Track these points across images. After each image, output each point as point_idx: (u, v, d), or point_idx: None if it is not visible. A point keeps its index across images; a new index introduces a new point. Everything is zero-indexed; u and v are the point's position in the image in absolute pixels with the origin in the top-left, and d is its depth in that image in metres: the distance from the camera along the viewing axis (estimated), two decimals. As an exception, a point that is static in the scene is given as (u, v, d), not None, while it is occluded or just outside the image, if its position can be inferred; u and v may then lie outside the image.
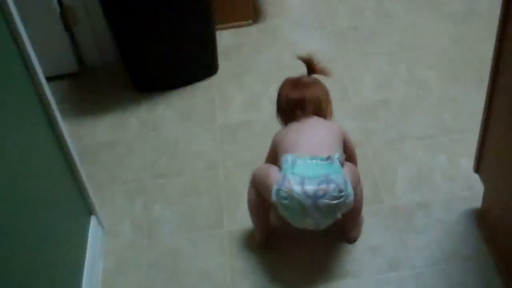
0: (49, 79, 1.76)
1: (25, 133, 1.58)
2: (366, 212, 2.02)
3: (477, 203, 1.99)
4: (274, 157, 1.89)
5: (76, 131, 2.45)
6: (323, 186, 1.67)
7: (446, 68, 2.56)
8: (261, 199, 1.85)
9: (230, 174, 2.23)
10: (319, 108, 1.93)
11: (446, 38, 2.72)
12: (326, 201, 1.67)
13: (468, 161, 2.13)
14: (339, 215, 1.84)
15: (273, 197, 1.72)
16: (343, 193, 1.69)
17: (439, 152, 2.21)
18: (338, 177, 1.70)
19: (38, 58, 1.67)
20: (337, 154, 1.76)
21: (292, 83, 1.97)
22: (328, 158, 1.74)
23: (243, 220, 2.04)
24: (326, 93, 1.98)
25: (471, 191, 2.06)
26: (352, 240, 1.97)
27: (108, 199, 2.20)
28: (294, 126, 1.89)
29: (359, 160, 2.16)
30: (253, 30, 2.90)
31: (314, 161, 1.73)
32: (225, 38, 2.86)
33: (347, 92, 2.49)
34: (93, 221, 2.02)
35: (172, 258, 1.99)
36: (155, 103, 2.57)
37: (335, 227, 1.97)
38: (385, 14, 2.89)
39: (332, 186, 1.68)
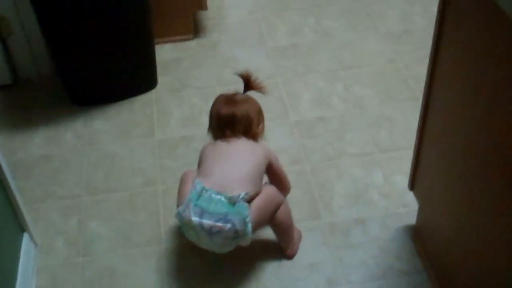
0: None
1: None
2: (304, 228, 2.04)
3: (412, 220, 2.03)
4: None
5: (8, 145, 2.38)
6: (219, 224, 1.72)
7: (383, 87, 2.61)
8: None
9: (168, 190, 2.20)
10: (249, 127, 1.92)
11: (383, 57, 2.77)
12: (219, 237, 1.74)
13: (403, 179, 2.17)
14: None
15: (176, 217, 1.81)
16: (237, 234, 1.74)
17: (376, 169, 2.25)
18: (237, 217, 1.73)
19: None
20: (242, 193, 1.75)
21: (225, 100, 1.97)
22: (231, 198, 1.74)
23: (181, 237, 2.02)
24: (258, 111, 1.98)
25: (406, 208, 2.11)
26: (289, 257, 1.98)
27: (41, 215, 2.13)
28: (218, 148, 1.89)
29: (297, 177, 2.19)
30: (193, 45, 2.89)
31: (219, 196, 1.74)
32: (164, 52, 2.83)
33: (286, 109, 2.51)
34: (25, 238, 1.96)
35: (107, 276, 1.95)
36: (92, 117, 2.52)
37: (275, 244, 1.98)
38: (323, 32, 2.93)
39: (228, 226, 1.72)
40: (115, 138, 2.42)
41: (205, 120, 2.45)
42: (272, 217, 1.86)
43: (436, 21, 1.62)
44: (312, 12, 3.05)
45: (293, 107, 2.53)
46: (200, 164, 1.91)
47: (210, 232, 1.72)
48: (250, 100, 1.98)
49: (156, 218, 2.11)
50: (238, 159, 1.85)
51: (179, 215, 1.78)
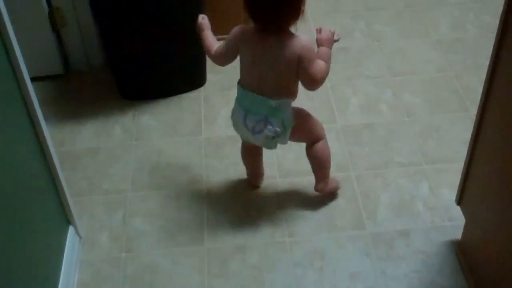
0: (32, 79, 1.72)
1: (5, 134, 1.54)
2: (347, 237, 2.03)
3: (457, 234, 2.00)
4: (232, 49, 1.90)
5: (57, 136, 2.41)
6: (261, 124, 1.87)
7: (432, 96, 2.57)
8: (246, 146, 2.10)
9: (213, 189, 2.21)
10: (290, 12, 1.76)
11: (434, 65, 2.73)
12: (260, 136, 1.89)
13: (450, 192, 2.14)
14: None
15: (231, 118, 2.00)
16: (276, 134, 1.88)
17: (422, 180, 2.22)
18: (275, 120, 1.86)
19: (23, 57, 1.63)
20: (282, 99, 1.84)
21: None
22: (271, 102, 1.83)
23: (224, 238, 2.03)
24: None
25: (452, 222, 2.08)
26: (318, 190, 2.10)
27: (87, 209, 2.16)
28: (253, 47, 1.82)
29: (342, 185, 2.18)
30: (242, 44, 2.89)
31: (259, 99, 1.85)
32: (214, 50, 2.84)
33: (333, 114, 2.49)
34: (70, 230, 1.99)
35: (149, 273, 1.97)
36: (140, 112, 2.54)
37: (316, 251, 1.98)
38: (374, 37, 2.90)
39: (269, 127, 1.87)
40: (163, 134, 2.44)
41: (251, 121, 2.47)
42: (310, 143, 2.01)
43: (498, 31, 1.57)
44: (364, 16, 3.02)
45: (341, 112, 2.51)
46: (235, 46, 1.87)
47: (253, 131, 1.88)
48: None
49: (200, 218, 2.12)
50: (273, 63, 1.80)
51: (231, 116, 1.97)
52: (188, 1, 2.37)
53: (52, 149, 1.82)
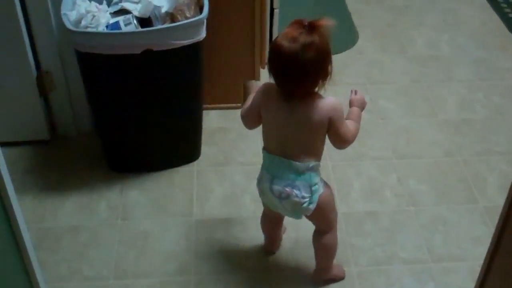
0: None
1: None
2: None
3: None
4: (256, 110, 1.80)
5: (38, 210, 2.25)
6: (288, 189, 1.76)
7: (439, 183, 2.43)
8: (267, 215, 2.00)
9: (203, 282, 2.04)
10: (316, 76, 1.67)
11: (440, 148, 2.60)
12: (288, 203, 1.79)
13: (458, 295, 1.99)
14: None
15: (257, 186, 1.89)
16: (304, 199, 1.78)
17: (428, 282, 2.06)
18: (303, 184, 1.76)
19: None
20: (311, 163, 1.76)
21: (295, 27, 1.64)
22: (299, 166, 1.75)
23: None
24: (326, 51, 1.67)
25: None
26: (316, 277, 2.03)
27: (64, 297, 1.99)
28: (278, 109, 1.73)
29: (340, 283, 2.03)
30: (240, 114, 2.75)
31: (286, 160, 1.75)
32: (210, 119, 2.70)
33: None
34: (44, 325, 1.80)
35: None
36: (128, 186, 2.38)
37: None
38: (378, 113, 2.77)
39: (296, 192, 1.76)
40: (150, 213, 2.27)
41: (246, 202, 2.32)
42: (321, 230, 1.93)
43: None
44: (368, 90, 2.90)
45: (342, 196, 2.36)
46: (258, 107, 1.78)
47: (280, 197, 1.78)
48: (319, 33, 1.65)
49: (187, 314, 1.95)
50: (300, 126, 1.73)
51: (258, 183, 1.86)
52: (185, 71, 2.23)
53: (23, 227, 1.62)
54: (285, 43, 1.62)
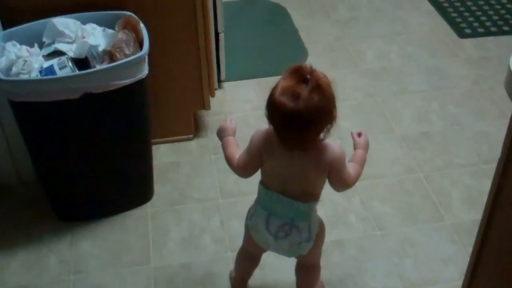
0: None
1: None
2: None
3: None
4: (255, 159, 1.69)
5: (-19, 273, 2.09)
6: (286, 228, 1.69)
7: (403, 204, 2.36)
8: (248, 252, 1.90)
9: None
10: (318, 130, 1.57)
11: (401, 165, 2.53)
12: (286, 241, 1.71)
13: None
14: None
15: (246, 221, 1.81)
16: (302, 240, 1.71)
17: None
18: (303, 224, 1.70)
19: None
20: (310, 203, 1.69)
21: (295, 79, 1.51)
22: (298, 204, 1.68)
23: None
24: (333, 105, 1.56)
25: None
26: None
27: None
28: (279, 158, 1.64)
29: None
30: (193, 146, 2.63)
31: (286, 199, 1.67)
32: (161, 154, 2.57)
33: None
34: None
35: None
36: (79, 236, 2.23)
37: None
38: (336, 134, 2.68)
39: (295, 232, 1.70)
40: (105, 265, 2.13)
41: (206, 243, 2.21)
42: (307, 263, 1.87)
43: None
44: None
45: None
46: (259, 153, 1.67)
47: (276, 236, 1.71)
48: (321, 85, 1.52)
49: None
50: (302, 173, 1.65)
51: (249, 219, 1.77)
52: (129, 111, 2.10)
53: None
54: (286, 102, 1.48)
